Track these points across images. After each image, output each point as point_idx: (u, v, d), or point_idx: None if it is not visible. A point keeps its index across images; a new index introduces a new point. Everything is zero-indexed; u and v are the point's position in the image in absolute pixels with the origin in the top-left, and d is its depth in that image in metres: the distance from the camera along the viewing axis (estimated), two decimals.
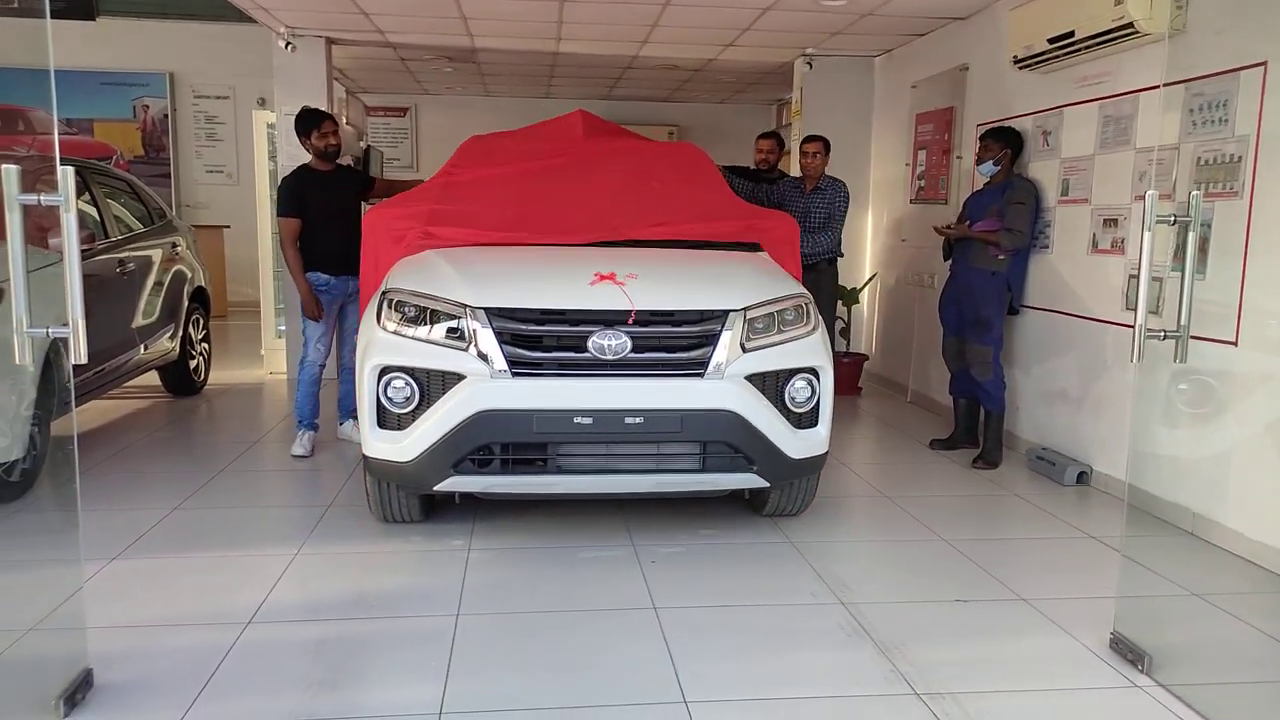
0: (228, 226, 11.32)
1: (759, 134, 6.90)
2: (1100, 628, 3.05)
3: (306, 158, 5.20)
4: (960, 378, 5.44)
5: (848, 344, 7.46)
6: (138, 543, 3.77)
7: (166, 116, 12.19)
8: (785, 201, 6.11)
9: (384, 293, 3.71)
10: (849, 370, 7.15)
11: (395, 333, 3.56)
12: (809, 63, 7.61)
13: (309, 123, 5.06)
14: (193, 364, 6.68)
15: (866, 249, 7.93)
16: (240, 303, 11.01)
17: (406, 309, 3.58)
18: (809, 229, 5.85)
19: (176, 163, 12.16)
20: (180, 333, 6.37)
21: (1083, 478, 4.83)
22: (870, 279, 7.63)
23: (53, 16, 7.71)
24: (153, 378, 6.51)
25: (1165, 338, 2.76)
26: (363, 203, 5.28)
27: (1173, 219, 2.71)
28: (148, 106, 12.28)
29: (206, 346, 6.99)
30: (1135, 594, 3.28)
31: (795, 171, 7.40)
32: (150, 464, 4.98)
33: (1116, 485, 4.64)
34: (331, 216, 5.00)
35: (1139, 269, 2.71)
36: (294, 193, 5.02)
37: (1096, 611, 3.21)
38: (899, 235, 7.27)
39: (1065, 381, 5.09)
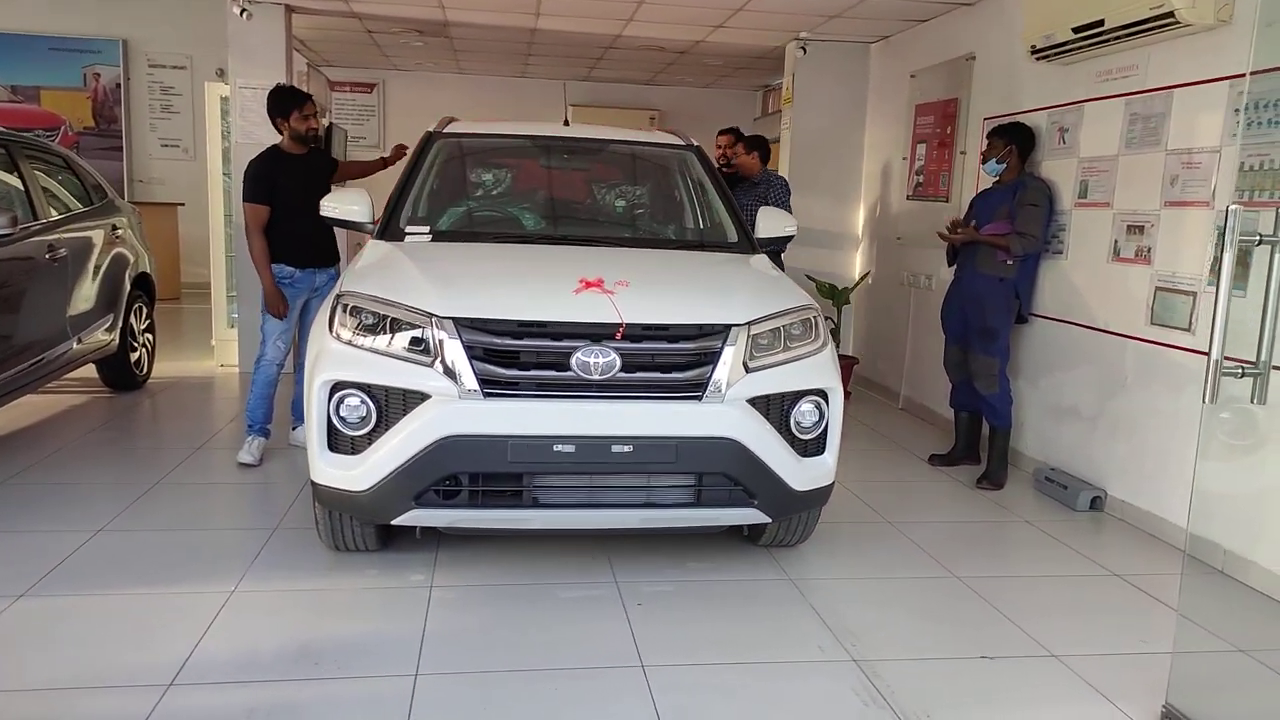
0: (182, 204, 10.71)
1: (720, 129, 6.54)
2: (1144, 693, 2.72)
3: (267, 135, 4.78)
4: (962, 389, 5.08)
5: (837, 346, 7.08)
6: (51, 574, 3.30)
7: (119, 86, 11.51)
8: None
9: (338, 296, 3.25)
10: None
11: (350, 343, 3.11)
12: (803, 47, 7.20)
13: (289, 103, 4.62)
14: (134, 356, 6.16)
15: (858, 246, 7.56)
16: (195, 284, 10.41)
17: (363, 316, 3.14)
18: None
19: (129, 135, 11.49)
20: (120, 323, 5.85)
21: (1096, 503, 4.50)
22: (862, 278, 7.26)
23: None
24: (91, 370, 6.00)
25: (1244, 375, 2.39)
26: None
27: (1259, 239, 2.33)
28: (99, 75, 11.59)
29: (150, 337, 6.46)
30: (1179, 649, 2.93)
31: (784, 171, 7.06)
32: (80, 472, 4.48)
33: (1133, 512, 4.31)
34: (301, 204, 4.50)
35: (1216, 295, 2.33)
36: (264, 177, 4.57)
37: (1135, 671, 2.88)
38: (894, 232, 6.89)
39: (1077, 397, 4.75)
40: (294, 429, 4.89)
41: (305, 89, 7.90)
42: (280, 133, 4.71)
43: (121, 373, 6.07)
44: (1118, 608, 3.41)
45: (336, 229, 4.48)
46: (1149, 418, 4.24)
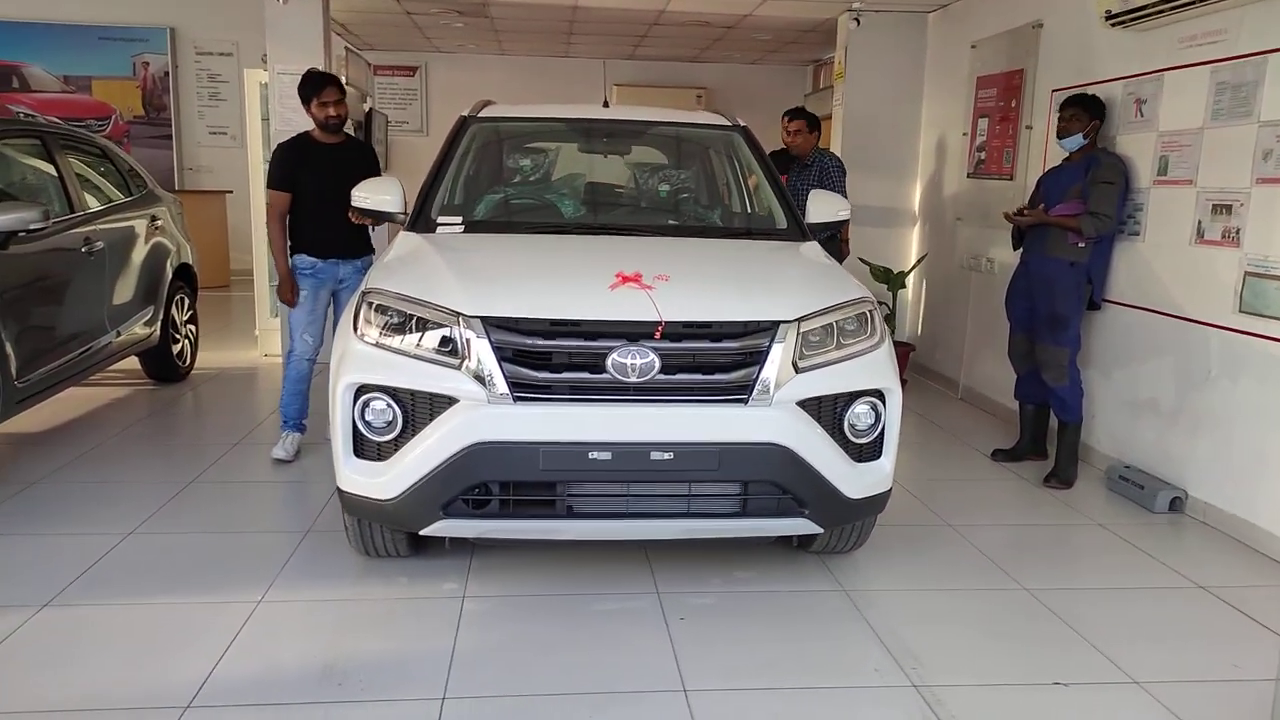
0: (230, 191, 10.72)
1: (785, 111, 6.24)
2: None
3: (305, 122, 4.63)
4: (1028, 380, 4.78)
5: (892, 332, 6.78)
6: (78, 581, 3.21)
7: (167, 74, 11.55)
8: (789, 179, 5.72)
9: (363, 294, 3.09)
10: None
11: (376, 344, 2.94)
12: (856, 18, 6.86)
13: (308, 90, 4.44)
14: (176, 348, 6.11)
15: (914, 227, 7.22)
16: (243, 271, 10.41)
17: (389, 315, 2.97)
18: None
19: (178, 124, 11.53)
20: (162, 315, 5.80)
21: (1176, 504, 4.18)
22: (919, 261, 6.93)
23: None
24: (134, 362, 5.97)
25: None
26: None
27: None
28: (148, 64, 11.64)
29: (193, 328, 6.42)
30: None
31: (835, 148, 6.75)
32: (115, 470, 4.42)
33: (1216, 515, 4.00)
34: (327, 194, 4.36)
35: None
36: (286, 164, 4.47)
37: (1228, 702, 2.61)
38: (953, 213, 6.55)
39: (1154, 390, 4.42)
40: (283, 436, 4.61)
41: (343, 74, 7.79)
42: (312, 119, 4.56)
43: (164, 365, 6.03)
44: (1205, 626, 3.13)
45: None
46: (1237, 413, 3.91)
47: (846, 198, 5.31)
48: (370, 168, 4.55)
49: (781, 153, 6.14)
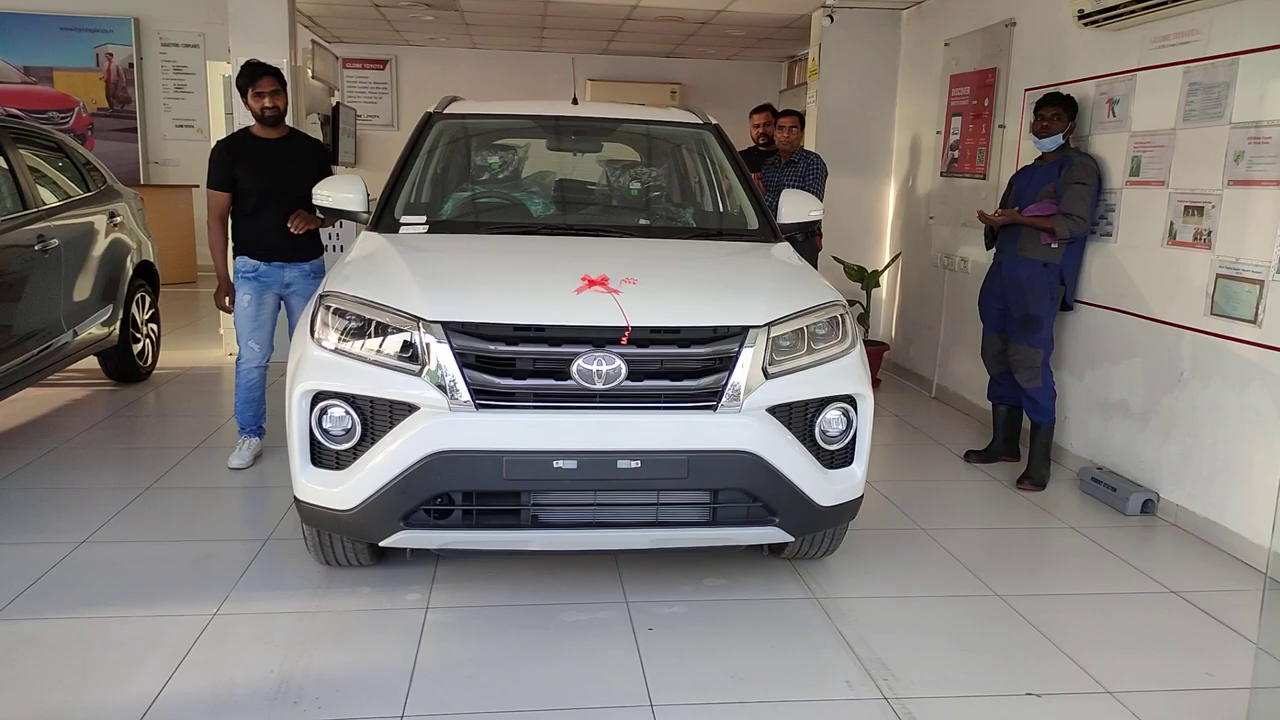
0: (196, 186, 10.52)
1: (753, 108, 6.27)
2: None
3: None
4: (1002, 381, 4.76)
5: (866, 331, 6.76)
6: (26, 593, 3.10)
7: (132, 66, 11.31)
8: (765, 176, 5.69)
9: (321, 297, 2.99)
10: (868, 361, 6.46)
11: (334, 350, 2.85)
12: (830, 15, 6.82)
13: (244, 78, 4.23)
14: (137, 348, 5.97)
15: (887, 226, 7.19)
16: (209, 267, 10.24)
17: (348, 319, 2.87)
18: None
19: (143, 116, 11.29)
20: (121, 314, 5.65)
21: (1148, 507, 4.17)
22: (893, 259, 6.91)
23: None
24: (95, 362, 5.82)
25: None
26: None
27: None
28: (111, 55, 11.39)
29: (154, 328, 6.27)
30: (1259, 684, 2.62)
31: (810, 145, 6.70)
32: (71, 475, 4.29)
33: (1188, 518, 3.99)
34: (269, 192, 4.22)
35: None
36: (223, 162, 4.27)
37: (1203, 711, 2.58)
38: (926, 211, 6.53)
39: (1126, 392, 4.41)
40: (241, 442, 4.49)
41: (310, 67, 7.64)
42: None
43: (124, 365, 5.88)
44: (1179, 633, 3.10)
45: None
46: (1209, 416, 3.90)
47: (822, 200, 5.30)
48: (319, 165, 4.31)
49: (751, 151, 6.11)
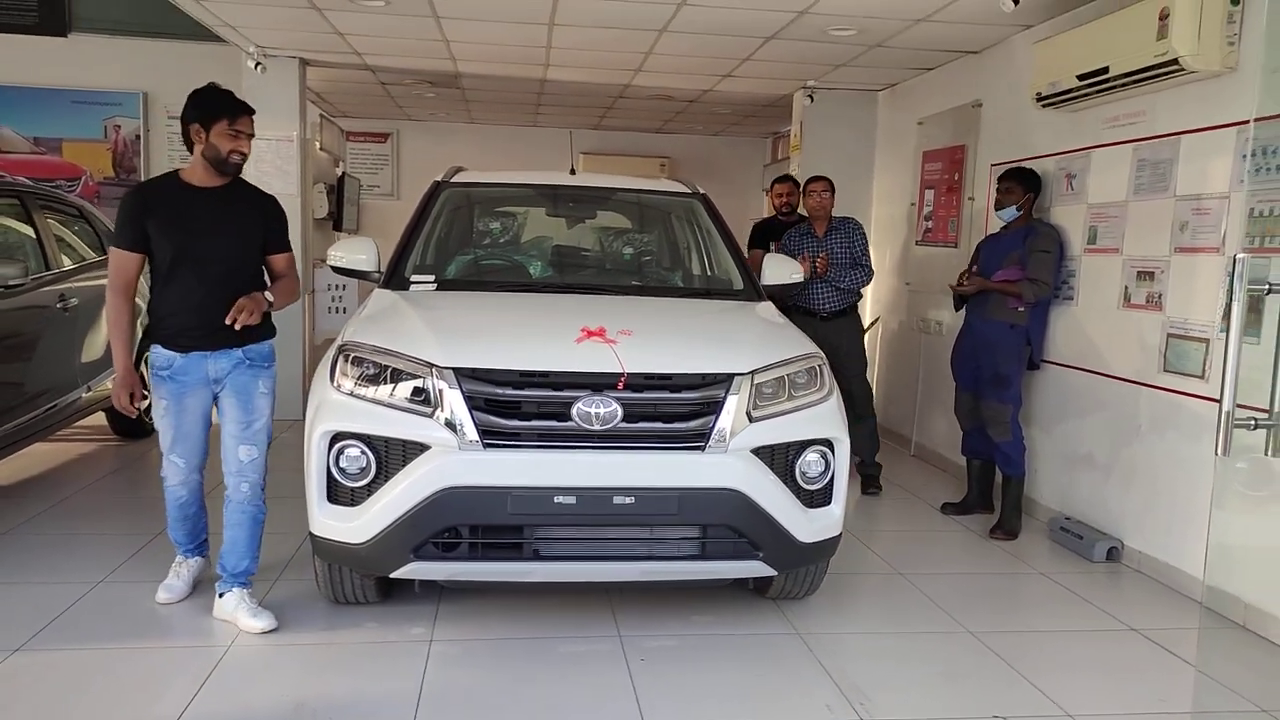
0: None
1: (775, 178, 6.39)
2: None
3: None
4: (974, 436, 5.01)
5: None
6: (49, 628, 3.27)
7: (139, 137, 11.70)
8: (799, 248, 5.44)
9: (340, 346, 3.24)
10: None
11: (351, 394, 3.09)
12: (810, 95, 7.24)
13: (215, 109, 3.21)
14: (144, 404, 6.15)
15: (867, 292, 7.51)
16: None
17: (365, 366, 3.12)
18: (836, 270, 5.37)
19: None
20: None
21: (1112, 554, 4.40)
22: (873, 323, 7.22)
23: (24, 32, 7.21)
24: (101, 418, 6.01)
25: (1257, 426, 2.33)
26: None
27: (1268, 288, 2.29)
28: (119, 126, 11.75)
29: None
30: (1206, 710, 2.83)
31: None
32: (83, 523, 4.47)
33: (1150, 563, 4.21)
34: (187, 255, 3.17)
35: (1226, 342, 2.27)
36: (136, 214, 3.18)
37: None
38: (903, 278, 6.87)
39: (1091, 445, 4.67)
40: (219, 594, 3.37)
41: (318, 139, 8.02)
42: (190, 151, 3.32)
43: (130, 421, 6.07)
44: (1135, 664, 3.31)
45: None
46: (1165, 467, 4.16)
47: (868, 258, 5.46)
48: (267, 226, 3.37)
49: (771, 220, 6.19)
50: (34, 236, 5.04)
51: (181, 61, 11.22)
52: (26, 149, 11.65)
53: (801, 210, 5.88)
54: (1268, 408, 2.32)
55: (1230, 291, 2.24)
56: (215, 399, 3.37)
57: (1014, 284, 4.66)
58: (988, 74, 5.78)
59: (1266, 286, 2.26)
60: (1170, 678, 3.21)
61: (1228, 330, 2.26)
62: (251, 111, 3.36)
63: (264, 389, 3.37)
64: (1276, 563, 3.46)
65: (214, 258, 3.21)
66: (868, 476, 5.48)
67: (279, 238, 3.43)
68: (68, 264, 5.29)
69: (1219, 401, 2.24)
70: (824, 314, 5.39)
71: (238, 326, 3.17)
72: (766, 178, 9.50)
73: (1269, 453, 2.31)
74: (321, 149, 7.92)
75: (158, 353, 3.27)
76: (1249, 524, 3.52)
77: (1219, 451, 2.29)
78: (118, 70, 11.39)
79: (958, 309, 5.08)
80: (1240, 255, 2.21)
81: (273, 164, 7.01)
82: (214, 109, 3.24)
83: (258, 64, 6.63)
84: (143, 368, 3.87)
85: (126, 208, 3.23)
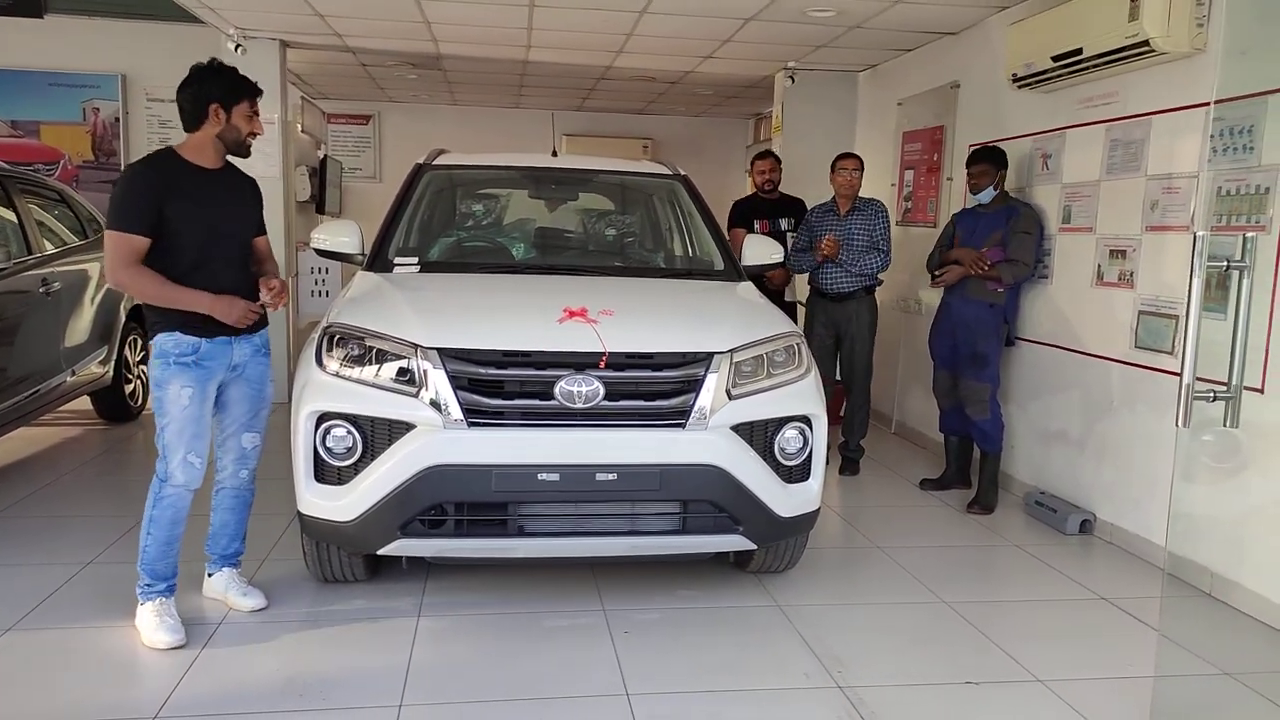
0: None
1: (755, 155, 6.41)
2: (1129, 718, 2.71)
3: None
4: (952, 414, 5.10)
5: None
6: (41, 607, 3.31)
7: (118, 120, 11.60)
8: (819, 228, 5.40)
9: (326, 328, 3.28)
10: (831, 401, 6.78)
11: (336, 374, 3.13)
12: (791, 76, 7.28)
13: (239, 89, 3.08)
14: (129, 388, 6.19)
15: None
16: None
17: (350, 347, 3.16)
18: (852, 253, 5.29)
19: None
20: (114, 355, 5.89)
21: (1085, 526, 4.50)
22: None
23: None
24: (86, 402, 6.02)
25: (1215, 399, 2.42)
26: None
27: (1225, 264, 2.37)
28: (98, 109, 11.66)
29: (145, 369, 6.49)
30: (1168, 674, 2.93)
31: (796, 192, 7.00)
32: (71, 506, 4.50)
33: (1121, 535, 4.32)
34: (217, 241, 3.08)
35: (1187, 317, 2.35)
36: (151, 193, 2.96)
37: (1121, 696, 2.88)
38: None
39: (1065, 421, 4.77)
40: (209, 573, 3.41)
41: (299, 121, 8.00)
42: (194, 130, 3.06)
43: (116, 404, 6.10)
44: (1104, 632, 3.41)
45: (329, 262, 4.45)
46: (1135, 441, 4.25)
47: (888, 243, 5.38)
48: (259, 209, 3.34)
49: (752, 198, 6.15)
50: (15, 221, 5.03)
51: (160, 43, 11.15)
52: (4, 132, 11.56)
53: (783, 189, 5.93)
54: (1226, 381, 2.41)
55: (1192, 266, 2.32)
56: (222, 390, 3.21)
57: (992, 268, 4.70)
58: (965, 55, 5.84)
59: (1225, 263, 2.33)
60: (1137, 644, 3.31)
61: (1188, 305, 2.35)
62: (261, 92, 3.23)
63: (271, 375, 3.40)
64: (1239, 532, 3.57)
65: (236, 240, 3.18)
66: (847, 459, 5.54)
67: (261, 220, 3.38)
68: (49, 248, 5.29)
69: (1179, 375, 2.33)
70: (833, 295, 5.39)
71: (277, 309, 3.21)
72: (748, 159, 9.54)
73: (1226, 424, 2.40)
74: (303, 131, 7.90)
75: (179, 339, 3.02)
76: (1212, 495, 3.63)
77: (1179, 423, 2.38)
78: (96, 52, 11.30)
79: (932, 275, 5.08)
80: (1200, 233, 2.30)
81: (254, 146, 6.98)
82: (238, 89, 3.09)
83: (238, 46, 6.60)
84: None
85: (138, 188, 2.98)
